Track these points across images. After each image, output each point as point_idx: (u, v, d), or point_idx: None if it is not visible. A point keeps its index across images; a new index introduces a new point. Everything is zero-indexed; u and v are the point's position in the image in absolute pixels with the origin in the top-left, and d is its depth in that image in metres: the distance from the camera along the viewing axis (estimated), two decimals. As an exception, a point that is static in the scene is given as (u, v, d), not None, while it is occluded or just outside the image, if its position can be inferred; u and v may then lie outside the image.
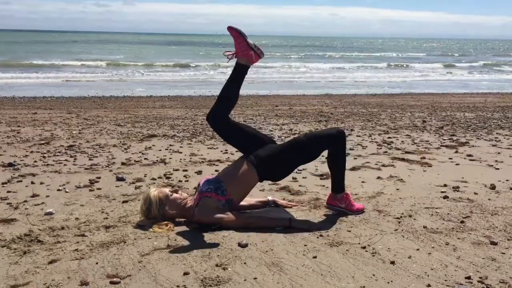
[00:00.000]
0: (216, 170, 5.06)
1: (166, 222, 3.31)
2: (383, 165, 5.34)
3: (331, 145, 3.50)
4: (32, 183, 4.50)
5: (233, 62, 3.61)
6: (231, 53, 3.51)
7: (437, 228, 3.29)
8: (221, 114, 3.53)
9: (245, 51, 3.45)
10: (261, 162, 3.43)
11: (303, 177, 4.75)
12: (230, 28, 3.47)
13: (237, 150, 3.79)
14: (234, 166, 3.52)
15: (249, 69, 3.54)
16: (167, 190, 3.44)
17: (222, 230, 3.21)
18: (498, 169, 5.22)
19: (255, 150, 3.51)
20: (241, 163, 3.48)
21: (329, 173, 3.64)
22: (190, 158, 5.73)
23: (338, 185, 3.58)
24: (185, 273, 2.59)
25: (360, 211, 3.60)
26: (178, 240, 3.06)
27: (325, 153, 3.59)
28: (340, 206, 3.56)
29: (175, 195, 3.42)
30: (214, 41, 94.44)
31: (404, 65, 34.01)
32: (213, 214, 3.25)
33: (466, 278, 2.54)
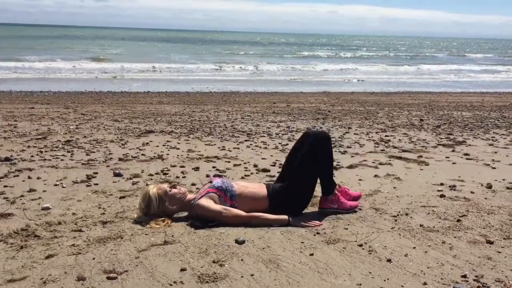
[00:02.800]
0: (213, 167, 5.06)
1: (163, 218, 3.31)
2: (380, 163, 5.35)
3: (322, 151, 3.50)
4: (29, 177, 4.49)
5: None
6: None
7: (434, 227, 3.30)
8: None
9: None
10: (274, 194, 3.48)
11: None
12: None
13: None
14: (254, 185, 3.59)
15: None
16: (165, 186, 3.45)
17: (220, 227, 3.22)
18: (494, 168, 5.23)
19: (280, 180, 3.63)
20: (262, 187, 3.55)
21: None
22: (188, 154, 5.72)
23: (328, 186, 3.59)
24: (182, 269, 2.59)
25: (354, 208, 3.62)
26: (175, 236, 3.06)
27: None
28: (332, 207, 3.57)
29: (173, 190, 3.42)
30: (213, 39, 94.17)
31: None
32: (212, 207, 3.27)
33: (462, 276, 2.55)
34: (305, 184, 3.52)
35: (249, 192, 3.46)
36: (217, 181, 3.48)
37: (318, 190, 4.00)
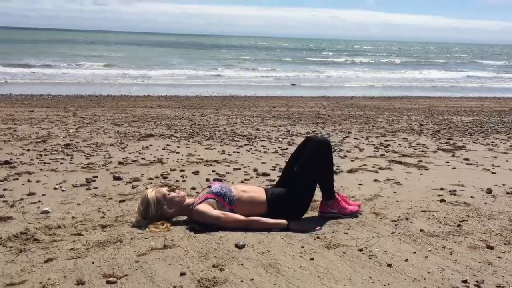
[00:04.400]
0: (213, 171, 5.06)
1: (162, 221, 3.31)
2: (380, 168, 5.35)
3: (322, 156, 3.50)
4: (29, 181, 4.48)
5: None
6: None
7: (434, 232, 3.29)
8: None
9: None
10: (273, 199, 3.47)
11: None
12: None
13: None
14: (253, 188, 3.59)
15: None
16: (164, 189, 3.45)
17: (219, 231, 3.21)
18: (494, 173, 5.23)
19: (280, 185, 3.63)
20: (261, 191, 3.54)
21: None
22: (187, 158, 5.72)
23: (327, 191, 3.59)
24: (182, 274, 2.58)
25: (354, 213, 3.61)
26: (175, 240, 3.05)
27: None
28: (332, 212, 3.57)
29: (172, 193, 3.42)
30: (213, 43, 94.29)
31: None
32: (211, 212, 3.27)
33: (462, 281, 2.55)
34: (304, 189, 3.51)
35: (248, 196, 3.46)
36: (216, 186, 3.47)
37: (318, 195, 4.00)
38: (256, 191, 3.54)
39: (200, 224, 3.28)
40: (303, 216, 3.58)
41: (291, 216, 3.42)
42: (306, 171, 3.48)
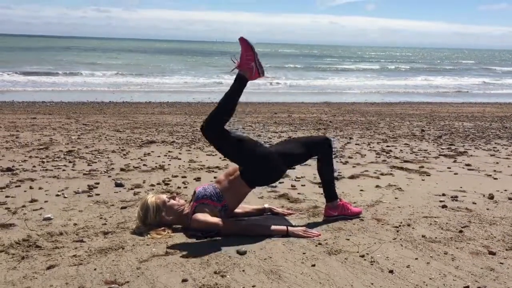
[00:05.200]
0: (214, 177, 5.06)
1: (163, 228, 3.31)
2: (382, 174, 5.35)
3: (318, 151, 3.56)
4: (31, 188, 4.49)
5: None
6: (236, 62, 3.45)
7: (436, 238, 3.29)
8: (217, 125, 3.37)
9: (249, 63, 3.39)
10: (246, 171, 3.43)
11: (302, 185, 4.76)
12: (242, 39, 3.41)
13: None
14: (227, 174, 3.55)
15: (247, 83, 3.45)
16: (164, 196, 3.45)
17: (221, 237, 3.21)
18: (496, 179, 5.22)
19: (245, 157, 3.47)
20: (232, 171, 3.52)
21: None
22: (189, 165, 5.73)
23: (330, 192, 3.62)
24: (184, 280, 2.58)
25: (358, 214, 3.67)
26: (176, 247, 3.05)
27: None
28: (335, 215, 3.59)
29: (172, 201, 3.42)
30: (214, 49, 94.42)
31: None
32: (209, 220, 3.26)
33: (464, 287, 2.54)
34: (278, 163, 3.45)
35: (229, 185, 3.42)
36: (199, 191, 3.43)
37: (320, 201, 4.00)
38: (230, 174, 3.50)
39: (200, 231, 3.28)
40: (305, 222, 3.58)
41: (266, 179, 3.49)
42: (297, 142, 3.56)
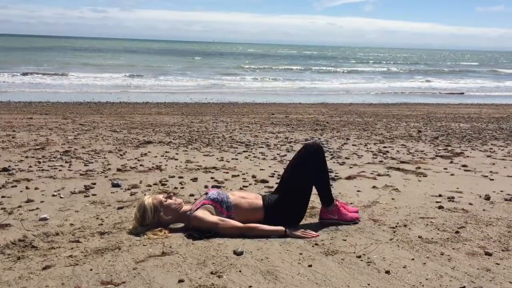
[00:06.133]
0: (211, 178, 5.06)
1: (160, 228, 3.31)
2: (379, 175, 5.36)
3: (313, 161, 3.50)
4: (27, 188, 4.48)
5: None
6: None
7: (432, 238, 3.29)
8: None
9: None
10: (270, 207, 3.47)
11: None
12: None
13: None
14: (250, 194, 3.60)
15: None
16: (161, 196, 3.44)
17: (217, 238, 3.21)
18: (492, 180, 5.24)
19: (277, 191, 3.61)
20: (258, 198, 3.54)
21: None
22: (186, 165, 5.72)
23: (326, 197, 3.58)
24: (180, 281, 2.58)
25: (354, 219, 3.61)
26: (173, 247, 3.05)
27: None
28: (333, 218, 3.56)
29: (169, 200, 3.42)
30: (211, 50, 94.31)
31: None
32: (209, 219, 3.27)
33: (460, 288, 2.55)
34: (298, 195, 3.51)
35: (245, 202, 3.47)
36: (213, 193, 3.48)
37: (317, 201, 4.00)
38: (253, 197, 3.54)
39: (198, 230, 3.27)
40: (302, 223, 3.58)
41: (288, 223, 3.43)
42: (298, 177, 3.50)
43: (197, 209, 3.35)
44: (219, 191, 3.56)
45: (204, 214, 3.30)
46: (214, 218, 3.29)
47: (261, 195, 3.62)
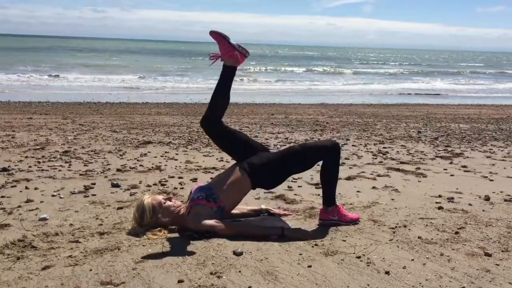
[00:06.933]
0: (211, 178, 5.05)
1: (159, 228, 3.30)
2: (378, 175, 5.36)
3: (325, 157, 3.49)
4: (27, 188, 4.48)
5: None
6: (215, 55, 3.52)
7: (432, 239, 3.29)
8: (214, 118, 3.49)
9: (229, 52, 3.45)
10: (255, 170, 3.43)
11: (299, 186, 4.75)
12: (212, 32, 3.49)
13: (231, 157, 3.77)
14: (227, 173, 3.51)
15: (236, 69, 3.55)
16: (160, 197, 3.43)
17: (217, 238, 3.21)
18: (492, 180, 5.24)
19: (248, 157, 3.50)
20: (234, 170, 3.48)
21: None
22: (186, 166, 5.72)
23: (329, 198, 3.56)
24: (180, 281, 2.57)
25: (355, 220, 3.60)
26: (172, 248, 3.04)
27: (320, 163, 3.59)
28: (333, 219, 3.55)
29: (168, 202, 3.41)
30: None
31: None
32: (204, 222, 3.24)
33: (460, 289, 2.55)
34: (286, 166, 3.48)
35: (229, 185, 3.40)
36: (195, 191, 3.42)
37: (317, 202, 4.01)
38: (232, 173, 3.46)
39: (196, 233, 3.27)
40: (302, 223, 3.58)
41: (271, 185, 3.53)
42: (311, 151, 3.48)
43: (189, 213, 3.33)
44: (201, 185, 3.51)
45: (198, 218, 3.25)
46: (209, 222, 3.24)
47: (237, 166, 3.52)
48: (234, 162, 3.67)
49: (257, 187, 3.54)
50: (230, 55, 3.46)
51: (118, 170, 5.37)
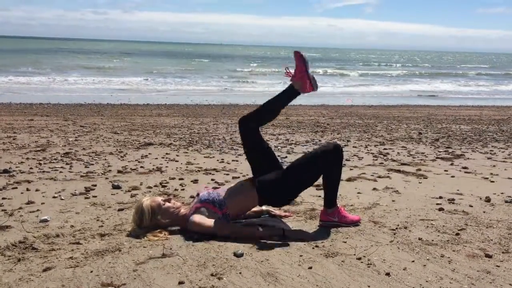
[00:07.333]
0: (212, 179, 5.06)
1: (160, 229, 3.30)
2: (379, 177, 5.36)
3: (329, 161, 3.46)
4: (28, 190, 4.48)
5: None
6: (289, 73, 3.60)
7: (432, 240, 3.29)
8: (254, 122, 3.60)
9: (303, 78, 3.52)
10: (263, 187, 3.44)
11: (299, 188, 4.75)
12: (297, 53, 3.55)
13: (250, 165, 3.69)
14: (238, 185, 3.56)
15: (299, 95, 3.60)
16: (159, 199, 3.44)
17: (218, 239, 3.21)
18: (493, 182, 5.24)
19: (264, 173, 3.53)
20: (246, 184, 3.53)
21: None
22: (187, 167, 5.72)
23: (330, 199, 3.55)
24: (180, 282, 2.58)
25: (355, 222, 3.59)
26: (173, 249, 3.05)
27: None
28: (333, 221, 3.55)
29: (167, 204, 3.41)
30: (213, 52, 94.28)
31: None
32: (206, 223, 3.26)
33: (461, 290, 2.55)
34: (293, 184, 3.47)
35: (238, 196, 3.44)
36: (203, 194, 3.45)
37: (318, 203, 4.00)
38: (243, 186, 3.51)
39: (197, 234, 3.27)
40: (302, 225, 3.58)
41: (279, 202, 3.53)
42: (314, 160, 3.45)
43: (192, 214, 3.34)
44: (209, 190, 3.53)
45: (200, 220, 3.27)
46: (211, 223, 3.26)
47: (247, 179, 3.60)
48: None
49: (264, 204, 3.56)
50: (301, 80, 3.53)
51: (119, 171, 5.38)
